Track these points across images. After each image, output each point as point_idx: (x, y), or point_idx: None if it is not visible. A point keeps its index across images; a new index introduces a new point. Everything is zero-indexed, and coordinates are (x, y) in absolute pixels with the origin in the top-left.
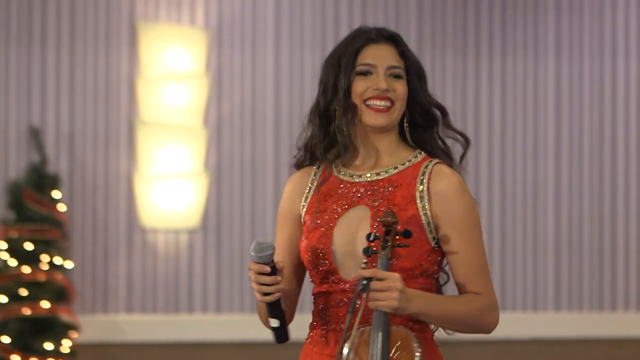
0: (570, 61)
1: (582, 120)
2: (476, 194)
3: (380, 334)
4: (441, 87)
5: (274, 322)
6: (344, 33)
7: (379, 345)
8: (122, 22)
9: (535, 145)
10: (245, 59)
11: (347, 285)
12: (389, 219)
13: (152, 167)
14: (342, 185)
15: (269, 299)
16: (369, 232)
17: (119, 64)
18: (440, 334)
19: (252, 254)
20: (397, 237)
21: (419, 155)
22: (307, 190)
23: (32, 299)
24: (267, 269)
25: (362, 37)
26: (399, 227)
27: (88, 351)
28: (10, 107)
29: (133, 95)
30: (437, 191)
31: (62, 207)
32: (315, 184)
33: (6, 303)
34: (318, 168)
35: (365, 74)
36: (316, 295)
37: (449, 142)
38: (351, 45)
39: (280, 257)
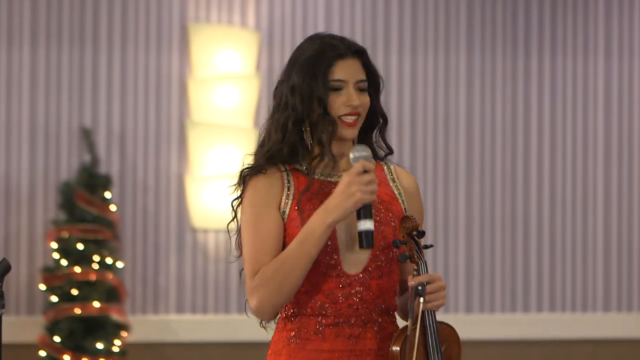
0: (620, 60)
1: (632, 120)
2: (526, 193)
3: (436, 333)
4: (491, 88)
5: (370, 224)
6: (394, 34)
7: (437, 342)
8: (173, 24)
9: (584, 145)
10: None
11: (351, 279)
12: (413, 223)
13: (203, 167)
14: (323, 186)
15: (374, 197)
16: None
17: (170, 65)
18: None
19: (357, 154)
20: (420, 239)
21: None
22: (287, 188)
23: (83, 299)
24: (373, 165)
25: (332, 53)
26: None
27: (139, 351)
28: (62, 108)
29: (184, 96)
30: (407, 189)
31: (113, 208)
32: (292, 184)
33: (57, 303)
34: (284, 170)
35: (337, 89)
36: (307, 292)
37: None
38: (322, 60)
39: (274, 241)
